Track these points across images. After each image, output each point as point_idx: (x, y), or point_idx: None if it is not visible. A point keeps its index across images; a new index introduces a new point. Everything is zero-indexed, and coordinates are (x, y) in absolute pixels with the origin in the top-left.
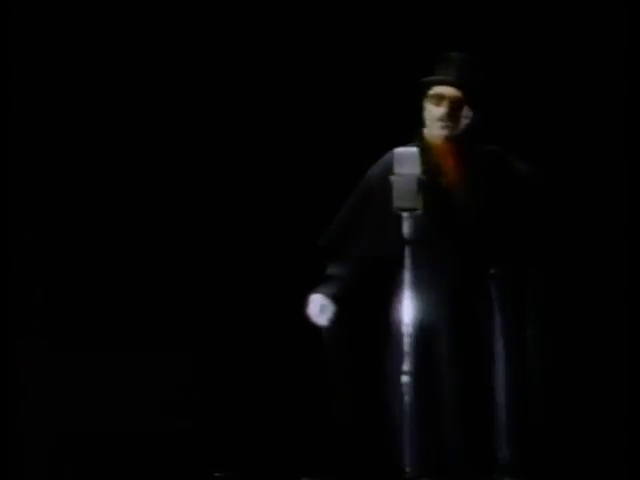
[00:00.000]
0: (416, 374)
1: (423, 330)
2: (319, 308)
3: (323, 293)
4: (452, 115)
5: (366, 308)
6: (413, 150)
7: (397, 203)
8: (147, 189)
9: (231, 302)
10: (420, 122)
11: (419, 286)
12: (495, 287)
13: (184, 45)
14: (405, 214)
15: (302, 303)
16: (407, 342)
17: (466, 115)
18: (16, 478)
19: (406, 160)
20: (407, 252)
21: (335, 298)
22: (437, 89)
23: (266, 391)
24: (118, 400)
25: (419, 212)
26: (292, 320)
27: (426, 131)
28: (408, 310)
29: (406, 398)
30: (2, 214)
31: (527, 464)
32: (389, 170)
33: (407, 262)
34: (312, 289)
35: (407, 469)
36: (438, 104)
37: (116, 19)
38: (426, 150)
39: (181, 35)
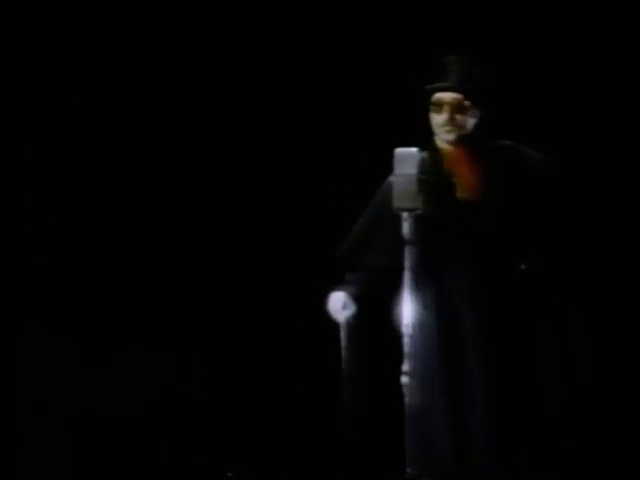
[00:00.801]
0: (432, 374)
1: (441, 331)
2: (341, 305)
3: (345, 291)
4: (455, 119)
5: (383, 308)
6: (413, 150)
7: (397, 203)
8: (160, 191)
9: (238, 302)
10: (430, 130)
11: (428, 287)
12: (527, 282)
13: (186, 45)
14: (405, 214)
15: (313, 305)
16: (407, 343)
17: (472, 115)
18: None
19: (406, 160)
20: (407, 252)
21: (356, 298)
22: (437, 96)
23: (271, 390)
24: (121, 398)
25: (419, 212)
26: (302, 321)
27: (436, 137)
28: (408, 311)
29: (406, 399)
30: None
31: (566, 462)
32: None
33: (407, 263)
34: (324, 291)
35: (408, 469)
36: (439, 111)
37: (116, 19)
38: (439, 156)
39: (182, 35)
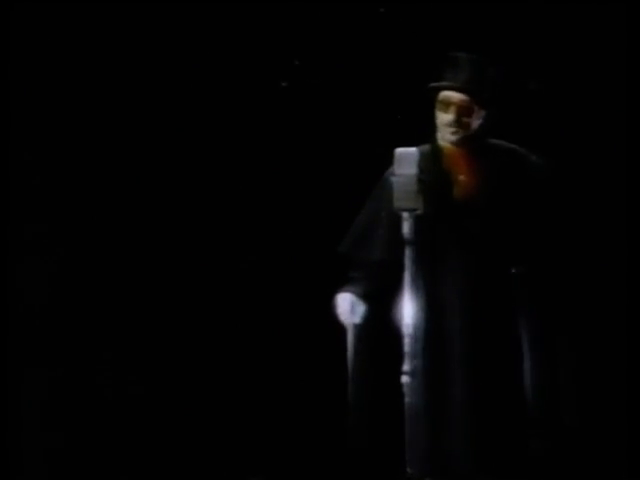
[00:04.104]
0: (425, 374)
1: (433, 331)
2: (350, 307)
3: (352, 292)
4: (460, 120)
5: (384, 308)
6: (413, 150)
7: (397, 203)
8: (154, 195)
9: (241, 302)
10: (434, 125)
11: (426, 287)
12: (517, 286)
13: (186, 45)
14: (405, 214)
15: (316, 304)
16: (407, 342)
17: (478, 117)
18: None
19: (406, 160)
20: (407, 252)
21: (364, 297)
22: (444, 94)
23: (272, 390)
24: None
25: (419, 212)
26: (305, 321)
27: (439, 135)
28: (408, 310)
29: (406, 399)
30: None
31: (557, 464)
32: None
33: (407, 263)
34: (326, 289)
35: (408, 469)
36: (446, 110)
37: (115, 18)
38: (440, 153)
39: (183, 35)
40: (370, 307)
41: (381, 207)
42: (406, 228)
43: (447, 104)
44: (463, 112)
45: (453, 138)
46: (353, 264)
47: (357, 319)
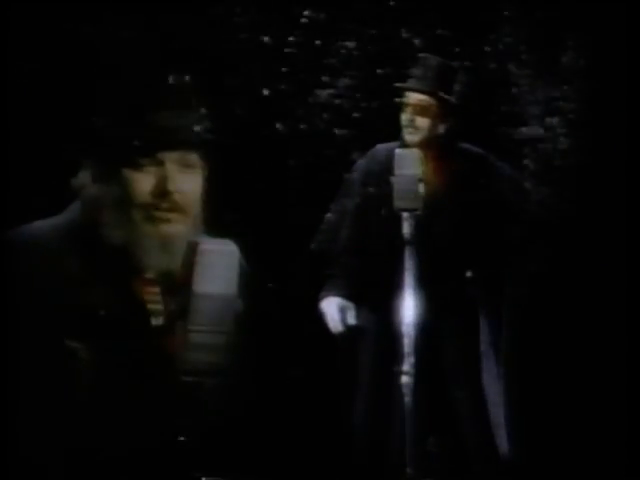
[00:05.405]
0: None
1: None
2: (338, 311)
3: (338, 295)
4: (417, 122)
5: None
6: (413, 151)
7: (397, 203)
8: None
9: None
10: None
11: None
12: (473, 290)
13: (186, 45)
14: (405, 214)
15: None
16: (407, 343)
17: (440, 120)
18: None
19: (406, 160)
20: (407, 253)
21: (349, 298)
22: (406, 95)
23: (274, 392)
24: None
25: (419, 212)
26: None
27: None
28: (409, 310)
29: (406, 399)
30: None
31: (556, 464)
32: (375, 164)
33: (407, 263)
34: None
35: (408, 470)
36: (404, 110)
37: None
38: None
39: (183, 34)
40: (359, 308)
41: (352, 199)
42: (406, 228)
43: (406, 105)
44: (419, 113)
45: (410, 139)
46: (327, 261)
47: (349, 321)
